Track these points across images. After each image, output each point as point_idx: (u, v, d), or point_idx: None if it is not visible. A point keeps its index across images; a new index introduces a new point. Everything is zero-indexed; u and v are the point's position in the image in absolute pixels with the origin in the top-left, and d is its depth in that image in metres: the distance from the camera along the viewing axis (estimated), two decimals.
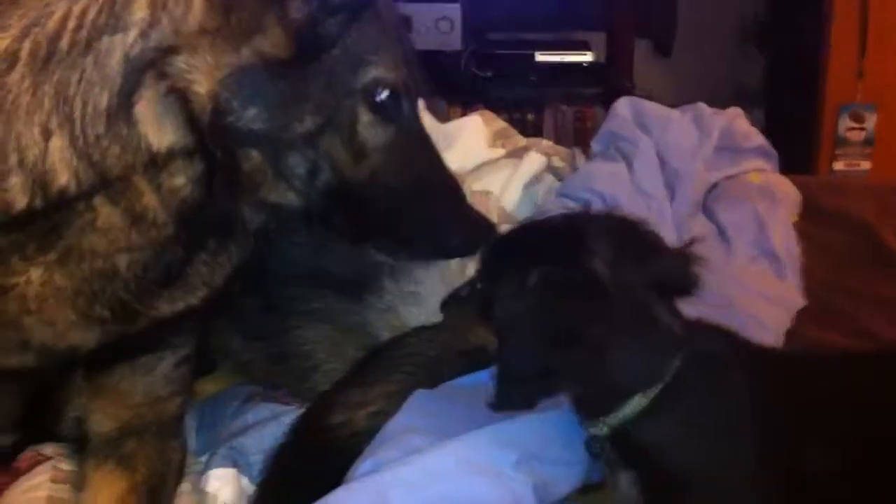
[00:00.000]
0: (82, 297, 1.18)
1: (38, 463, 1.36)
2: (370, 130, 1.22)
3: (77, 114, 1.10)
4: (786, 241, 1.87)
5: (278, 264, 1.46)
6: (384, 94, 1.21)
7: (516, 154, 2.11)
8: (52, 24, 1.11)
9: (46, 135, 1.10)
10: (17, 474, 1.34)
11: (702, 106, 2.12)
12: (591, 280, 1.09)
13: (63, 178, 1.11)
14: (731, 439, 1.12)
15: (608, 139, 2.06)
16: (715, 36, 4.28)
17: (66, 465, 1.36)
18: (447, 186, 1.38)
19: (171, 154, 1.12)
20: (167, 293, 1.23)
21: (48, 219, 1.13)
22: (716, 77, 4.14)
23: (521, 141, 2.21)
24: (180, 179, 1.14)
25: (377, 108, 1.21)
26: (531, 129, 3.52)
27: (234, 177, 1.16)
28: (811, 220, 2.03)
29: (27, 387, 1.30)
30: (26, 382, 1.29)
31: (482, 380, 1.37)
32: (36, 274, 1.15)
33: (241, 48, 1.10)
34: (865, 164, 3.63)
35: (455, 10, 3.75)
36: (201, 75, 1.09)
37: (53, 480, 1.34)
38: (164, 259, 1.19)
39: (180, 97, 1.10)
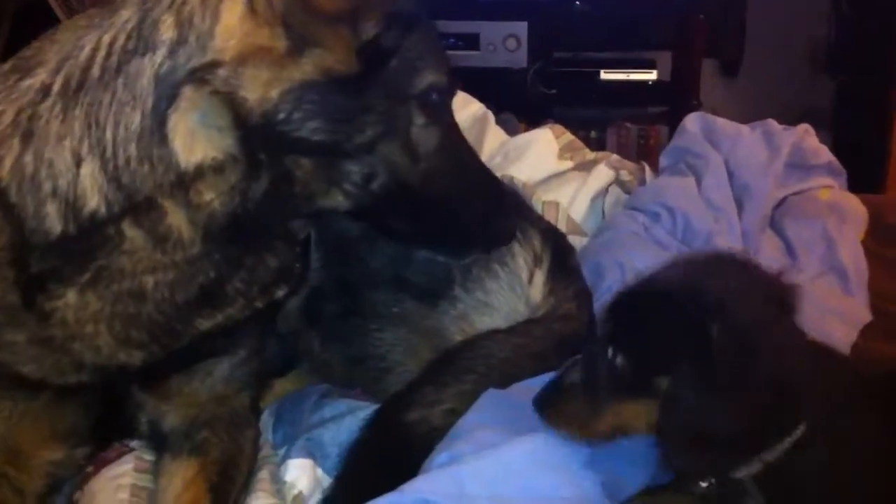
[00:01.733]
0: (118, 321, 1.21)
1: (124, 453, 1.42)
2: (424, 132, 1.25)
3: (108, 136, 1.13)
4: (854, 257, 1.87)
5: (361, 272, 1.51)
6: (434, 97, 1.24)
7: (585, 167, 2.14)
8: (83, 56, 1.16)
9: (77, 160, 1.14)
10: (105, 462, 1.40)
11: (771, 122, 2.13)
12: (763, 320, 1.06)
13: (93, 202, 1.14)
14: (867, 460, 1.11)
15: (677, 154, 2.08)
16: (782, 57, 4.25)
17: (148, 456, 1.42)
18: (487, 177, 1.42)
19: (199, 171, 1.13)
20: (206, 309, 1.26)
21: (81, 242, 1.16)
22: (781, 98, 4.11)
23: (590, 154, 2.24)
24: (209, 195, 1.15)
25: (430, 111, 1.24)
26: (595, 146, 3.49)
27: (282, 183, 1.18)
28: (878, 238, 2.02)
29: (92, 400, 1.34)
30: (90, 396, 1.33)
31: None
32: (72, 297, 1.19)
33: (301, 64, 1.12)
34: None
35: (522, 28, 3.78)
36: (251, 84, 1.11)
37: (137, 470, 1.40)
38: (197, 279, 1.22)
39: (224, 100, 1.12)
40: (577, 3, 3.87)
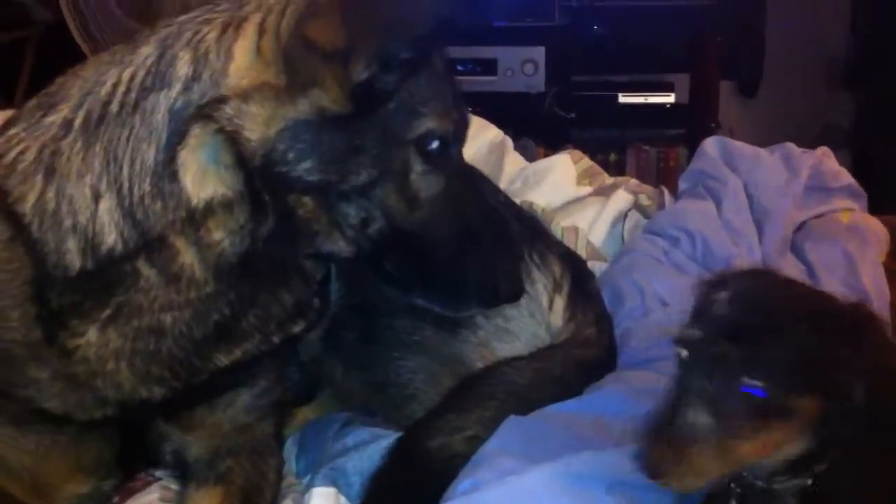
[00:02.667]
0: (138, 358, 1.22)
1: (150, 483, 1.44)
2: (423, 180, 1.23)
3: (125, 173, 1.15)
4: (875, 280, 1.86)
5: (380, 300, 1.51)
6: (435, 144, 1.23)
7: (604, 192, 2.15)
8: (104, 91, 1.18)
9: (96, 197, 1.16)
10: (131, 493, 1.42)
11: (790, 145, 2.13)
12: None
13: (110, 238, 1.16)
14: None
15: (696, 178, 2.08)
16: (800, 77, 4.25)
17: (174, 486, 1.43)
18: (497, 229, 1.37)
19: (209, 208, 1.15)
20: (223, 345, 1.27)
21: (100, 279, 1.17)
22: (800, 117, 4.11)
23: (608, 179, 2.25)
24: (218, 234, 1.17)
25: (429, 158, 1.23)
26: (614, 170, 3.54)
27: (287, 223, 1.19)
28: None
29: (117, 432, 1.34)
30: (114, 429, 1.33)
31: (571, 407, 1.42)
32: (93, 335, 1.20)
33: (298, 102, 1.13)
34: None
35: (539, 53, 3.81)
36: (253, 123, 1.13)
37: (163, 500, 1.41)
38: (212, 317, 1.23)
39: (229, 138, 1.13)
40: (595, 27, 3.90)
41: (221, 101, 1.13)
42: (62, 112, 1.21)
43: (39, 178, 1.19)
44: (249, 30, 1.16)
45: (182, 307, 1.20)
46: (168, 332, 1.22)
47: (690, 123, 3.85)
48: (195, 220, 1.15)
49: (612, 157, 3.87)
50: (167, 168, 1.14)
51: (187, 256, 1.17)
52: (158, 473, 1.45)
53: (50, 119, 1.22)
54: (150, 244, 1.16)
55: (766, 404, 0.96)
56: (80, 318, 1.20)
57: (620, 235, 2.06)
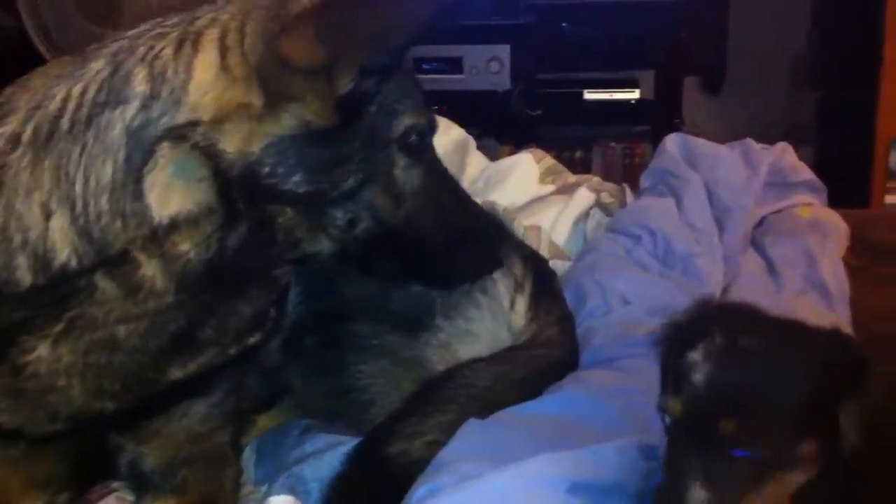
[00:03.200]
0: (90, 373, 1.19)
1: (105, 495, 1.42)
2: (406, 174, 1.24)
3: (78, 190, 1.11)
4: (835, 274, 1.88)
5: (340, 304, 1.50)
6: (415, 138, 1.24)
7: (566, 190, 2.15)
8: (53, 106, 1.14)
9: (47, 214, 1.12)
10: None
11: (750, 141, 2.14)
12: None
13: (63, 255, 1.12)
14: None
15: (657, 175, 2.09)
16: (765, 73, 4.27)
17: (130, 497, 1.41)
18: (470, 207, 1.41)
19: (174, 224, 1.12)
20: (177, 358, 1.24)
21: (52, 293, 1.14)
22: (765, 114, 4.13)
23: (571, 178, 2.25)
24: (185, 246, 1.14)
25: (411, 152, 1.24)
26: (580, 167, 3.55)
27: (264, 231, 1.17)
28: (862, 254, 2.03)
29: (70, 446, 1.33)
30: (68, 443, 1.32)
31: (532, 409, 1.41)
32: (44, 351, 1.17)
33: (280, 118, 1.11)
34: None
35: (505, 51, 3.80)
36: (231, 139, 1.11)
37: None
38: (168, 329, 1.20)
39: (203, 153, 1.11)
40: (562, 25, 3.90)
41: (195, 124, 1.10)
42: (10, 125, 1.17)
43: None
44: (208, 45, 1.13)
45: (139, 319, 1.18)
46: (122, 345, 1.19)
47: (656, 120, 3.86)
48: (158, 236, 1.12)
49: (579, 153, 3.86)
50: (128, 187, 1.10)
51: (150, 269, 1.14)
52: (114, 485, 1.42)
53: None
54: (108, 259, 1.13)
55: (763, 465, 0.96)
56: (31, 333, 1.16)
57: (583, 234, 2.06)
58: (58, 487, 1.35)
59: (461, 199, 1.40)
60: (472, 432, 1.32)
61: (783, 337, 1.02)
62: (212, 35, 1.14)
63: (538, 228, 2.02)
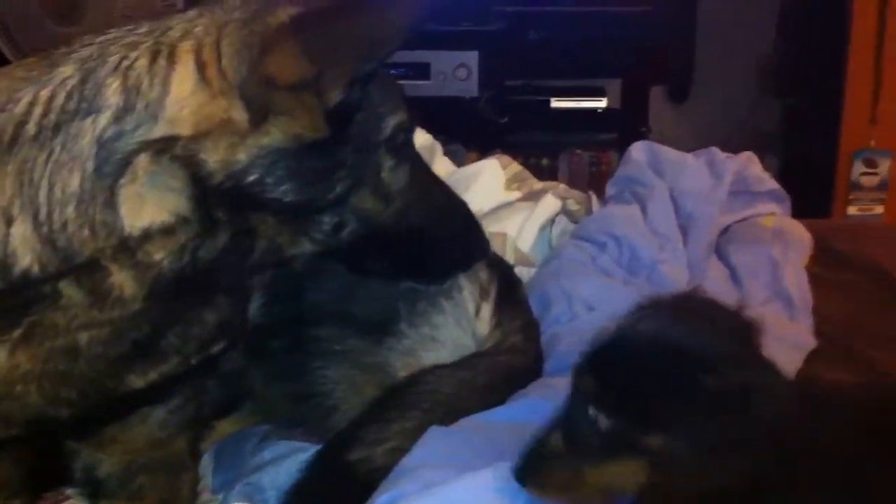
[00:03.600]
0: (47, 380, 1.16)
1: (60, 502, 1.38)
2: (393, 174, 1.24)
3: (42, 198, 1.08)
4: (798, 283, 1.89)
5: (303, 307, 1.48)
6: (401, 137, 1.24)
7: (532, 197, 2.14)
8: (18, 110, 1.10)
9: (8, 220, 1.08)
10: None
11: (715, 150, 2.15)
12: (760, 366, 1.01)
13: (25, 261, 1.09)
14: None
15: (623, 183, 2.09)
16: (731, 82, 4.31)
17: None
18: (454, 197, 1.43)
19: (146, 235, 1.09)
20: (138, 367, 1.22)
21: (13, 298, 1.11)
22: (731, 122, 4.17)
23: (537, 184, 2.24)
24: (159, 255, 1.11)
25: (397, 151, 1.23)
26: (546, 174, 3.54)
27: (244, 239, 1.16)
28: (824, 263, 2.05)
29: (23, 452, 1.30)
30: (21, 449, 1.29)
31: (495, 416, 1.40)
32: (2, 355, 1.13)
33: (269, 132, 1.09)
34: (879, 209, 3.65)
35: (472, 58, 3.80)
36: (213, 151, 1.08)
37: None
38: (129, 335, 1.17)
39: (183, 164, 1.09)
40: (530, 32, 3.91)
41: (174, 139, 1.08)
42: None
43: None
44: (184, 59, 1.10)
45: (101, 326, 1.14)
46: (82, 352, 1.16)
47: (622, 128, 3.88)
48: (130, 246, 1.10)
49: (545, 161, 3.87)
50: (97, 197, 1.07)
51: (120, 277, 1.11)
52: (69, 491, 1.39)
53: None
54: (76, 267, 1.10)
55: (607, 436, 0.98)
56: None
57: (548, 241, 2.05)
58: (10, 493, 1.32)
59: (445, 190, 1.41)
60: (435, 439, 1.31)
61: (685, 328, 1.02)
62: (186, 47, 1.11)
63: (504, 235, 2.01)
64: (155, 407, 1.32)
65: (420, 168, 1.33)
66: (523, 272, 1.92)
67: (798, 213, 2.21)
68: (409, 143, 1.28)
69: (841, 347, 1.81)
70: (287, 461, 1.37)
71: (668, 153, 2.12)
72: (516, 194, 2.17)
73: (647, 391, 0.98)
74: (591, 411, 0.99)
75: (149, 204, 1.09)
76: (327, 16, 1.12)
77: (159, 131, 1.08)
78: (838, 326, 1.86)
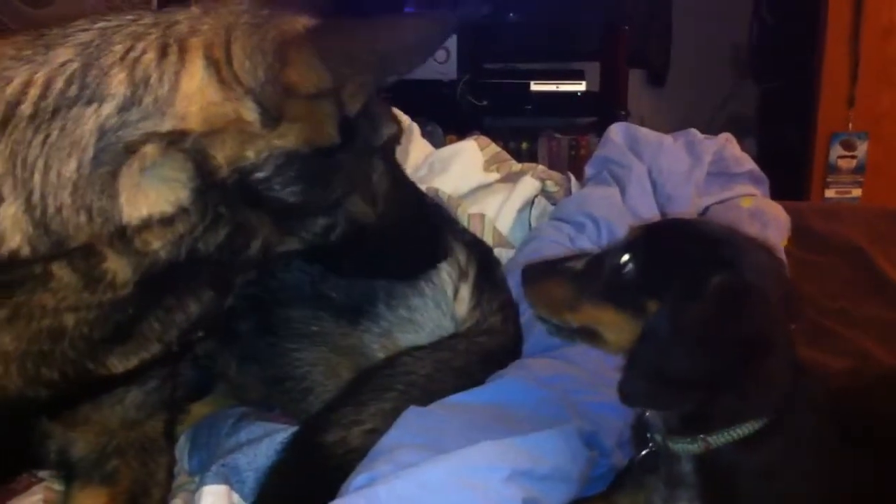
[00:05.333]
0: (30, 360, 1.15)
1: (33, 484, 1.37)
2: (382, 179, 1.27)
3: (36, 181, 1.06)
4: None
5: (279, 289, 1.47)
6: (396, 145, 1.28)
7: (511, 178, 2.13)
8: (11, 90, 1.08)
9: None
10: (13, 494, 1.35)
11: (693, 132, 2.15)
12: (765, 300, 1.06)
13: (14, 242, 1.07)
14: (816, 482, 1.10)
15: (601, 164, 2.08)
16: (708, 66, 4.32)
17: (58, 486, 1.36)
18: (422, 197, 1.47)
19: (145, 223, 1.08)
20: (119, 350, 1.21)
21: (1, 275, 1.09)
22: (709, 106, 4.18)
23: (516, 166, 2.23)
24: (156, 244, 1.11)
25: (386, 159, 1.27)
26: (526, 157, 3.54)
27: (240, 235, 1.16)
28: (802, 244, 2.05)
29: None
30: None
31: (472, 397, 1.39)
32: None
33: (283, 134, 1.11)
34: (856, 191, 3.67)
35: (451, 41, 3.78)
36: (221, 148, 1.09)
37: (46, 501, 1.34)
38: (114, 318, 1.16)
39: (189, 158, 1.08)
40: (509, 15, 3.90)
41: (184, 133, 1.07)
42: None
43: None
44: (194, 56, 1.09)
45: (90, 308, 1.13)
46: (68, 333, 1.14)
47: (601, 112, 3.88)
48: (127, 234, 1.08)
49: (524, 144, 3.87)
50: (95, 184, 1.06)
51: (114, 263, 1.10)
52: (42, 474, 1.38)
53: None
54: (70, 252, 1.08)
55: (623, 283, 1.11)
56: None
57: (527, 222, 2.04)
58: None
59: (416, 192, 1.45)
60: (411, 421, 1.30)
61: (690, 227, 1.21)
62: (196, 44, 1.10)
63: (482, 216, 2.00)
64: (131, 388, 1.30)
65: (398, 171, 1.35)
66: (502, 253, 1.91)
67: (776, 195, 2.21)
68: (394, 149, 1.31)
69: (819, 328, 1.81)
70: (264, 442, 1.35)
71: (647, 134, 2.12)
72: (495, 176, 2.16)
73: (672, 264, 1.09)
74: (625, 258, 1.11)
75: (150, 194, 1.08)
76: (347, 29, 1.13)
77: (168, 125, 1.07)
78: (816, 307, 1.87)
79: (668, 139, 2.11)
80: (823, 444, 1.11)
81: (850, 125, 3.63)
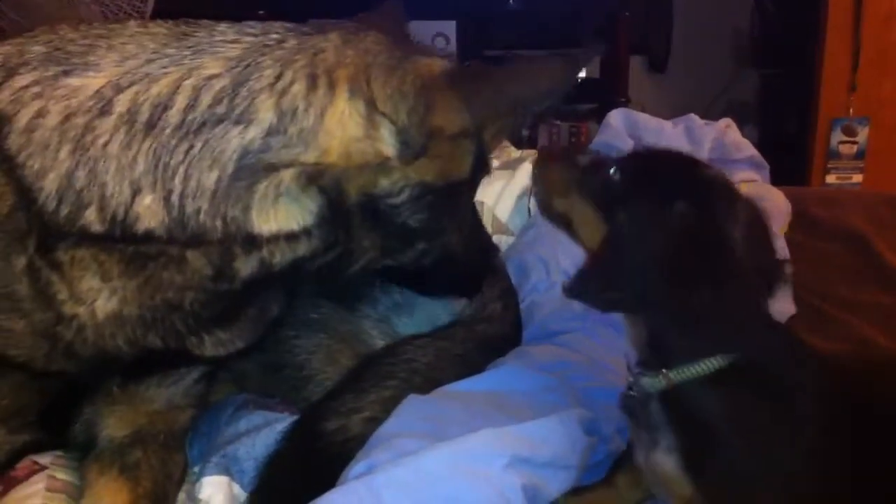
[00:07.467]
0: (140, 326, 1.19)
1: (35, 472, 1.35)
2: (465, 207, 1.34)
3: (176, 184, 1.10)
4: (777, 250, 1.88)
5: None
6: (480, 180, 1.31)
7: (510, 165, 2.12)
8: (156, 91, 1.10)
9: (135, 191, 1.09)
10: (13, 483, 1.33)
11: (693, 117, 2.15)
12: (728, 235, 1.10)
13: (149, 223, 1.10)
14: (784, 428, 1.11)
15: (601, 149, 2.07)
16: (709, 52, 4.31)
17: (61, 475, 1.35)
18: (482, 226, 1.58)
19: (274, 237, 1.14)
20: (215, 336, 1.27)
21: (133, 246, 1.12)
22: (710, 93, 4.17)
23: (515, 152, 2.22)
24: (277, 258, 1.16)
25: (473, 188, 1.32)
26: (526, 145, 3.52)
27: (345, 257, 1.22)
28: (803, 230, 2.04)
29: (56, 387, 1.28)
30: (58, 383, 1.27)
31: (472, 385, 1.39)
32: (102, 304, 1.15)
33: (422, 171, 1.16)
34: (857, 177, 3.66)
35: (451, 27, 3.78)
36: (356, 182, 1.14)
37: (49, 489, 1.32)
38: (222, 304, 1.23)
39: (324, 189, 1.13)
40: (509, 1, 3.88)
41: (323, 165, 1.12)
42: (94, 81, 1.11)
43: (65, 154, 1.09)
44: (342, 90, 1.12)
45: (207, 292, 1.19)
46: (183, 308, 1.20)
47: (602, 98, 3.86)
48: (257, 242, 1.14)
49: (525, 131, 3.86)
50: (231, 197, 1.10)
51: (242, 262, 1.16)
52: (43, 461, 1.36)
53: (75, 82, 1.11)
54: (204, 244, 1.13)
55: (606, 188, 1.17)
56: (103, 278, 1.15)
57: (527, 209, 2.03)
58: (21, 423, 1.30)
59: (477, 217, 1.52)
60: (411, 409, 1.31)
61: (682, 157, 1.26)
62: (343, 77, 1.13)
63: (481, 203, 1.99)
64: (192, 369, 1.35)
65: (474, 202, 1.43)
66: (502, 241, 1.91)
67: (777, 181, 2.20)
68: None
69: (819, 314, 1.81)
70: (263, 431, 1.35)
71: (647, 120, 2.11)
72: (494, 163, 2.15)
73: (648, 186, 1.15)
74: (613, 170, 1.18)
75: (280, 212, 1.13)
76: (485, 73, 1.18)
77: (310, 157, 1.11)
78: (817, 293, 1.86)
79: (667, 125, 2.11)
80: (808, 400, 1.11)
81: (851, 111, 3.61)
